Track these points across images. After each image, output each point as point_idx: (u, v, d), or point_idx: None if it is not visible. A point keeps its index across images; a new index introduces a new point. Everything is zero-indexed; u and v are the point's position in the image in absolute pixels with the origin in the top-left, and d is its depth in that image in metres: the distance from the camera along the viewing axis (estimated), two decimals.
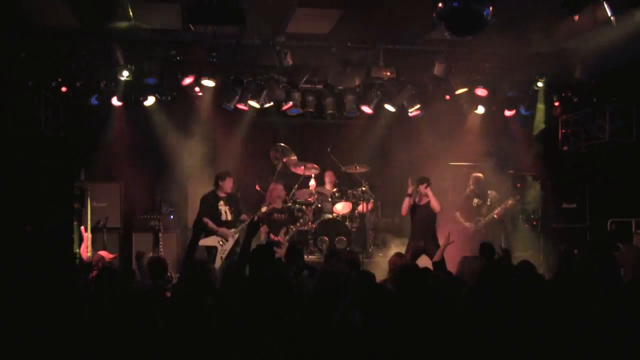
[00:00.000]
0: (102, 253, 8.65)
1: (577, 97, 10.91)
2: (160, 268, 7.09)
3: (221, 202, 9.48)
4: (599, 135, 10.68)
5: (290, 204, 10.66)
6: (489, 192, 10.45)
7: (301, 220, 10.53)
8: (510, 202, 10.22)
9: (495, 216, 10.17)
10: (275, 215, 10.25)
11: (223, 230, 9.34)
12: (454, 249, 9.19)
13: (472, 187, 10.43)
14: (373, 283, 5.10)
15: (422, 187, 9.52)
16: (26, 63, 9.03)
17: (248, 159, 10.99)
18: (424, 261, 8.84)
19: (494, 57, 9.93)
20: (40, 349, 4.15)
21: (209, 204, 9.44)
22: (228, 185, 9.50)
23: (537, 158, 11.27)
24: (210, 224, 9.32)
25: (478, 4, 6.34)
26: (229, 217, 9.48)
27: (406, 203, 9.66)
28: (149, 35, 9.03)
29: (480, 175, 10.49)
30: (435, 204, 9.49)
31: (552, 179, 11.09)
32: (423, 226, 9.54)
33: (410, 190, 9.60)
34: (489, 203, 10.27)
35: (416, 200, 9.63)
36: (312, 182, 10.92)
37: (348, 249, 9.99)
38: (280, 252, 9.64)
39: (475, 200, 10.32)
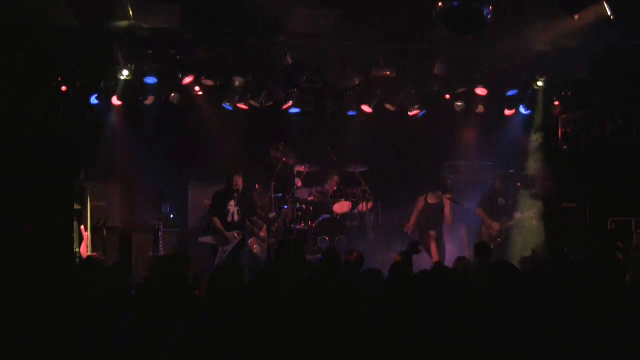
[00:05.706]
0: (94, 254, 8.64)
1: (577, 96, 10.90)
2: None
3: (232, 202, 9.46)
4: (599, 135, 10.68)
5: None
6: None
7: (302, 220, 10.54)
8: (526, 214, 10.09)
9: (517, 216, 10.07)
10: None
11: (228, 234, 9.34)
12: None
13: (497, 185, 10.29)
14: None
15: (442, 195, 9.75)
16: (26, 62, 9.02)
17: (248, 158, 10.97)
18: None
19: (494, 57, 9.92)
20: (41, 349, 4.16)
21: (219, 202, 9.44)
22: (239, 182, 9.48)
23: (537, 157, 11.25)
24: (219, 224, 9.33)
25: (478, 4, 6.35)
26: (236, 219, 9.46)
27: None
28: (149, 35, 9.03)
29: (505, 173, 10.36)
30: (449, 216, 9.78)
31: (552, 178, 11.07)
32: (433, 221, 9.75)
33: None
34: (510, 202, 10.09)
35: (429, 200, 9.77)
36: (297, 180, 10.92)
37: (349, 248, 9.96)
38: (258, 250, 9.68)
39: (500, 199, 10.19)
